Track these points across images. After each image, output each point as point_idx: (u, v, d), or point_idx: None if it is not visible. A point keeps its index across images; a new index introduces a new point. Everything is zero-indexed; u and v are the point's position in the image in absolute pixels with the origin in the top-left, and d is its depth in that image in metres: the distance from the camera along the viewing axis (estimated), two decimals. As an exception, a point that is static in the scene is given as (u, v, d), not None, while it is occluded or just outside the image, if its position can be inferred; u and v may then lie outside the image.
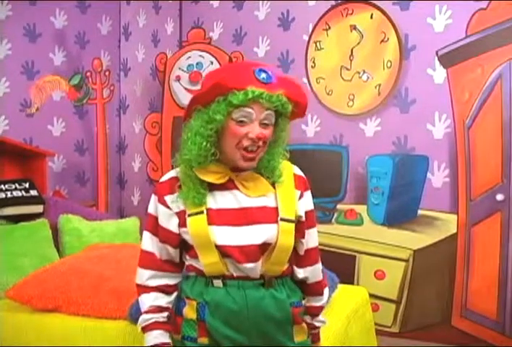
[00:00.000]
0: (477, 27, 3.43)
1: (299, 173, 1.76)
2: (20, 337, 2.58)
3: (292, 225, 1.66)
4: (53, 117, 4.29)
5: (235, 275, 1.63)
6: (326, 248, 3.82)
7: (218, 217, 1.63)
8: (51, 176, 4.14)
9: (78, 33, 4.45)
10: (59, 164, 4.34)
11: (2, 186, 3.43)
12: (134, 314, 2.14)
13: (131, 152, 4.89)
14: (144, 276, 1.71)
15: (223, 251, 1.61)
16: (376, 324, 3.21)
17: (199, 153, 1.61)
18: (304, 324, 1.74)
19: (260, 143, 1.61)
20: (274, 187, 1.68)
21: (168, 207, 1.67)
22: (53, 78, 4.03)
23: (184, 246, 1.69)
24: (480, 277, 3.48)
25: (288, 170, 1.73)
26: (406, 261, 3.68)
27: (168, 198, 1.67)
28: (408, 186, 3.69)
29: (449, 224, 3.57)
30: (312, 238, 1.76)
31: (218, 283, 1.64)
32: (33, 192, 3.50)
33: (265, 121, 1.61)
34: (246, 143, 1.60)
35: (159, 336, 1.67)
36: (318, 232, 1.80)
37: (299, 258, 1.74)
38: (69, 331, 2.52)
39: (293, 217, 1.66)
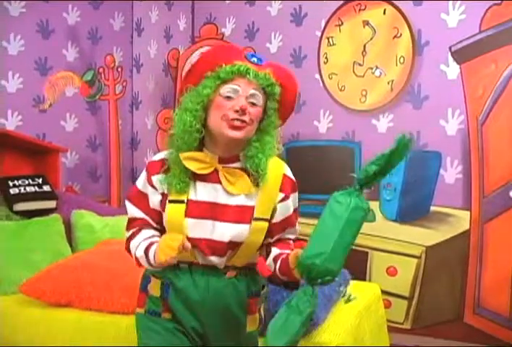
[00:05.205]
0: (491, 22, 3.40)
1: (289, 174, 1.75)
2: (33, 332, 2.59)
3: (265, 224, 1.69)
4: (65, 113, 4.30)
5: (201, 263, 1.68)
6: (338, 244, 3.79)
7: (195, 210, 1.66)
8: (64, 171, 4.15)
9: (91, 29, 4.46)
10: (72, 160, 4.35)
11: (15, 181, 3.45)
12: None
13: (143, 148, 4.89)
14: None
15: (193, 243, 1.64)
16: (388, 320, 3.20)
17: (185, 129, 1.64)
18: (256, 315, 1.78)
19: (246, 118, 1.62)
20: (258, 185, 1.68)
21: (153, 186, 1.70)
22: (66, 74, 4.04)
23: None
24: (493, 274, 3.46)
25: (278, 170, 1.72)
26: (419, 257, 3.66)
27: (154, 178, 1.70)
28: (421, 182, 3.67)
29: (462, 221, 3.56)
30: (292, 235, 1.79)
31: (184, 267, 1.69)
32: (46, 188, 3.52)
33: (252, 100, 1.63)
34: (231, 115, 1.61)
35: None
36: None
37: (269, 245, 1.76)
38: (81, 326, 2.54)
39: (267, 216, 1.68)
